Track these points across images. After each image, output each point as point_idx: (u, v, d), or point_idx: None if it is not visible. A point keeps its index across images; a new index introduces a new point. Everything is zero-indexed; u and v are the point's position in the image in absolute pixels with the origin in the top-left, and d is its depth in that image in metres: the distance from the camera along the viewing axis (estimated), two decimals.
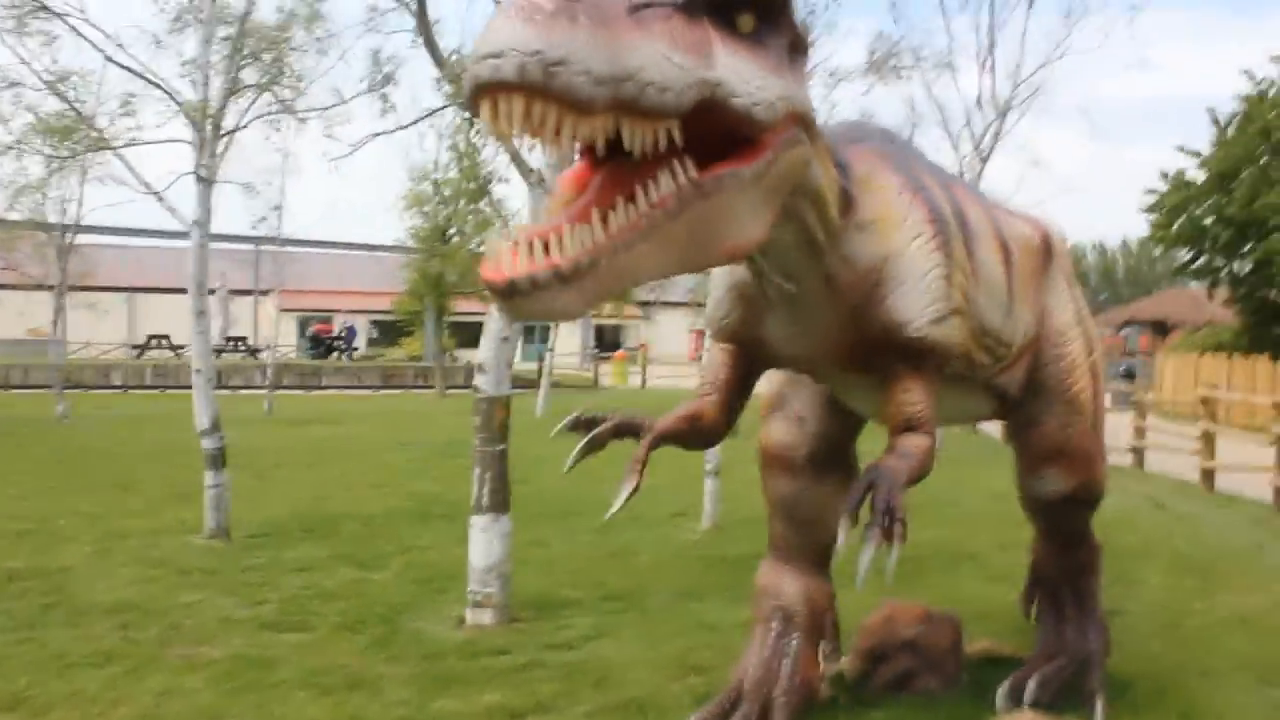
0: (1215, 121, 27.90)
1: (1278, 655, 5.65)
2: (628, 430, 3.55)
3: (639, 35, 2.10)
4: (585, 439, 3.50)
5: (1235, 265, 27.77)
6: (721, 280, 3.64)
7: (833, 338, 3.39)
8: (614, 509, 3.31)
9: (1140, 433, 15.38)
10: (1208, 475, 12.97)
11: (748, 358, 3.72)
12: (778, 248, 3.00)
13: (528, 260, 2.09)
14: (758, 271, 3.25)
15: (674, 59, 2.16)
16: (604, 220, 2.18)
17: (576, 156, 2.41)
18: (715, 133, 2.36)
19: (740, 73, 2.35)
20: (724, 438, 3.91)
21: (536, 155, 6.11)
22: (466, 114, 8.18)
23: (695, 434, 3.69)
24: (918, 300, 3.31)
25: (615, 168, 2.28)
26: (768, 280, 3.26)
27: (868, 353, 3.40)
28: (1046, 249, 4.58)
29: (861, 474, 3.17)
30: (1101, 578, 5.15)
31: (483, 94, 2.01)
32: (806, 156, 2.73)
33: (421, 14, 6.52)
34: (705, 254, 2.44)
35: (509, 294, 2.09)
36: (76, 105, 10.00)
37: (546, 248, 2.12)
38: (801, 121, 2.64)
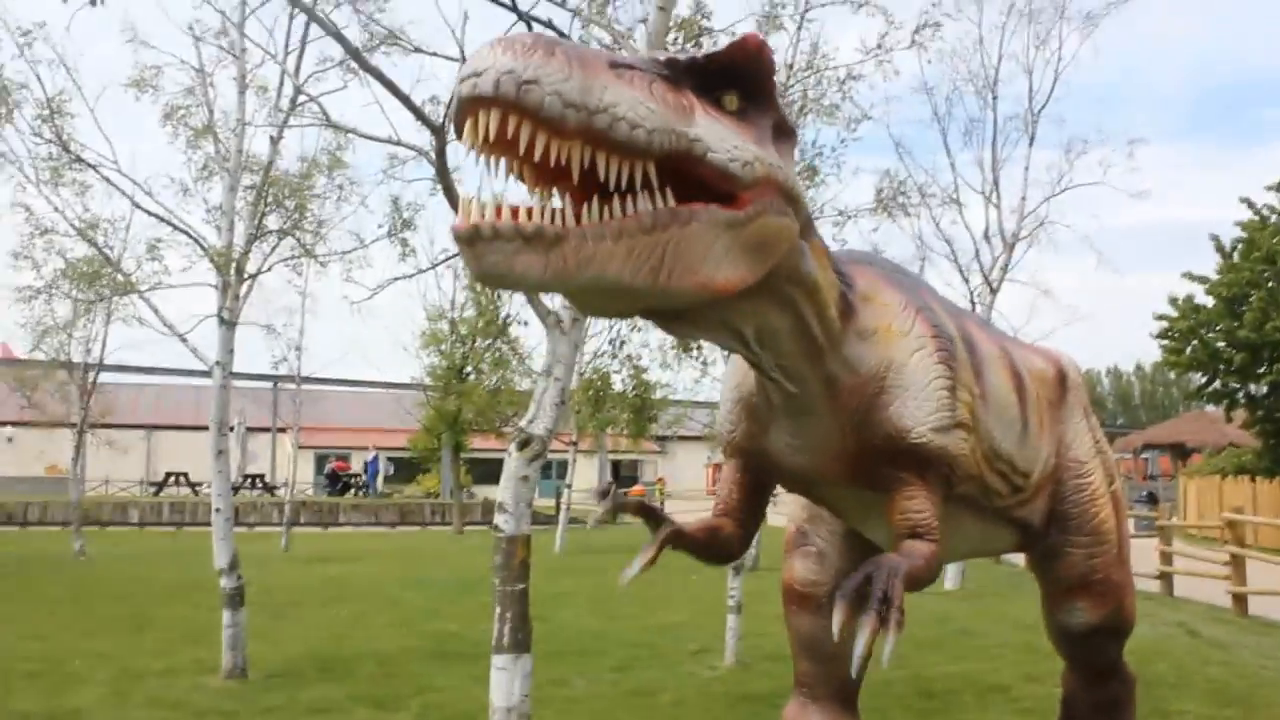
0: (1220, 248, 28.30)
1: None
2: (649, 513, 3.55)
3: (615, 79, 2.23)
4: (609, 503, 3.50)
5: (1251, 387, 27.76)
6: (729, 394, 3.68)
7: (835, 447, 3.39)
8: (629, 575, 3.31)
9: (1167, 558, 15.14)
10: (1239, 600, 12.72)
11: (756, 473, 3.72)
12: (775, 337, 3.01)
13: (494, 214, 2.17)
14: (757, 365, 3.25)
15: (649, 105, 2.27)
16: (576, 213, 2.24)
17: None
18: (697, 192, 2.42)
19: (719, 134, 2.43)
20: (740, 555, 3.88)
21: (555, 298, 6.20)
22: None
23: (712, 546, 3.68)
24: (920, 408, 3.31)
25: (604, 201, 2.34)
26: (770, 382, 3.27)
27: (871, 464, 3.38)
28: (1062, 381, 4.62)
29: (861, 566, 3.14)
30: (1135, 710, 5.03)
31: (465, 113, 2.16)
32: (792, 235, 2.73)
33: (441, 162, 6.74)
34: (675, 278, 2.40)
35: (472, 239, 2.15)
36: (105, 250, 10.30)
37: (515, 214, 2.19)
38: (787, 197, 2.65)
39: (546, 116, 2.11)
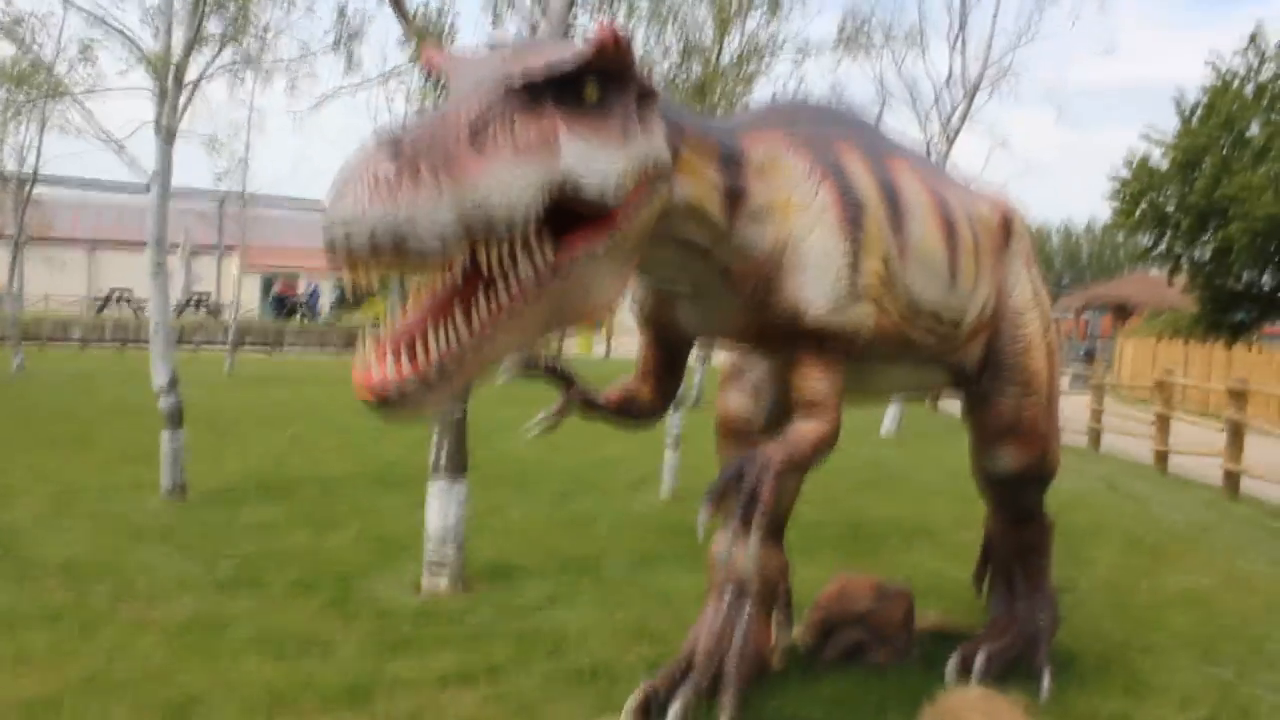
0: (1180, 110, 28.19)
1: (1220, 633, 5.76)
2: (560, 375, 3.65)
3: (481, 164, 2.20)
4: (523, 367, 3.58)
5: (1195, 252, 28.15)
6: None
7: (737, 324, 3.45)
8: (532, 430, 3.48)
9: (1097, 415, 15.58)
10: (1161, 458, 13.17)
11: (670, 340, 3.80)
12: (655, 264, 3.08)
13: (394, 370, 2.21)
14: (646, 276, 3.35)
15: (518, 174, 2.25)
16: (466, 315, 2.28)
17: None
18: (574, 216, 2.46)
19: (586, 156, 2.42)
20: (661, 417, 3.99)
21: None
22: (429, 78, 8.10)
23: (626, 411, 3.80)
24: (817, 286, 3.33)
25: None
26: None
27: (771, 337, 3.45)
28: (1005, 228, 4.60)
29: (735, 459, 3.23)
30: (1052, 555, 5.22)
31: (339, 259, 2.14)
32: (664, 200, 2.79)
33: None
34: (565, 323, 2.56)
35: (379, 405, 2.23)
36: (34, 50, 9.79)
37: (412, 350, 2.23)
38: (656, 174, 2.70)
39: (428, 255, 2.11)
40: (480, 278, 2.32)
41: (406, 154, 2.10)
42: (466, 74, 2.52)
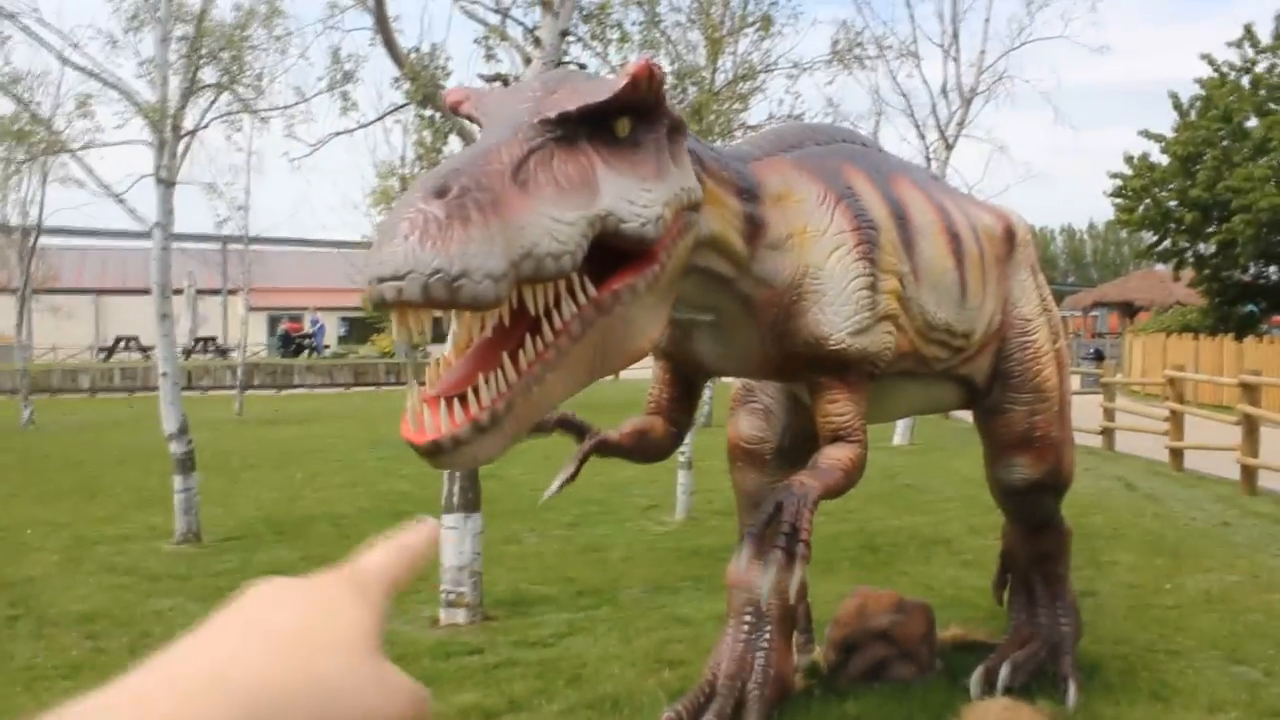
0: (1177, 105, 28.21)
1: (1246, 632, 5.71)
2: (572, 427, 3.59)
3: (527, 205, 2.13)
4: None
5: (1200, 246, 28.12)
6: None
7: (758, 354, 3.43)
8: (549, 492, 3.38)
9: (1109, 414, 15.50)
10: (1176, 455, 13.08)
11: (685, 373, 3.77)
12: (681, 296, 3.01)
13: (448, 418, 2.12)
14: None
15: (564, 218, 2.18)
16: (513, 359, 2.21)
17: None
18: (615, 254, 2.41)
19: (625, 193, 2.38)
20: (674, 450, 3.94)
21: None
22: (425, 112, 8.13)
23: (642, 449, 3.74)
24: (839, 312, 3.33)
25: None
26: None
27: (794, 366, 3.44)
28: (1010, 238, 4.58)
29: (772, 493, 3.19)
30: (1070, 561, 5.18)
31: (388, 309, 2.05)
32: (697, 235, 2.76)
33: (380, 11, 6.45)
34: (611, 364, 2.48)
35: (434, 453, 2.13)
36: (32, 107, 9.86)
37: (464, 398, 2.14)
38: (690, 207, 2.67)
39: (483, 304, 2.01)
40: (525, 321, 2.25)
41: (454, 194, 2.03)
42: (497, 111, 2.48)
